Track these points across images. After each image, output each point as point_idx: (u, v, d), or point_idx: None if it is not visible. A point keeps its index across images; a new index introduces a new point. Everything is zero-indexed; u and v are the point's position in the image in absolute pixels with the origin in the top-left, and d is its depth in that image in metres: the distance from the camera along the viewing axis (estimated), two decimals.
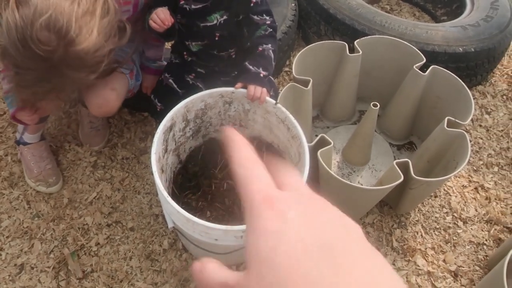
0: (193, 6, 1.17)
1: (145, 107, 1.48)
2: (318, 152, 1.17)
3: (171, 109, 1.11)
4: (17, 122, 1.27)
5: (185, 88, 1.32)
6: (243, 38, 1.25)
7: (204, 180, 1.26)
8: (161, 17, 1.10)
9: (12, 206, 1.39)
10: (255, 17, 1.19)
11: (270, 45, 1.18)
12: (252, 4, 1.17)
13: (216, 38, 1.22)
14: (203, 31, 1.21)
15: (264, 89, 1.13)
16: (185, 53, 1.30)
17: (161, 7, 1.15)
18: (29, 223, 1.35)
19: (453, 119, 1.26)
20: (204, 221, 0.89)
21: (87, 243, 1.32)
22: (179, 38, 1.28)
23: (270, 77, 1.28)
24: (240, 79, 1.16)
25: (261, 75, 1.15)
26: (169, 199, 0.93)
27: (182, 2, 1.17)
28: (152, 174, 0.98)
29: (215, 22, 1.19)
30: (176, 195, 1.23)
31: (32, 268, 1.27)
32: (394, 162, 1.17)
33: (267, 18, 1.19)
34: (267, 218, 0.22)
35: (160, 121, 1.08)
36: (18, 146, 1.45)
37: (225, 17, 1.19)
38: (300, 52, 1.40)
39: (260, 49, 1.18)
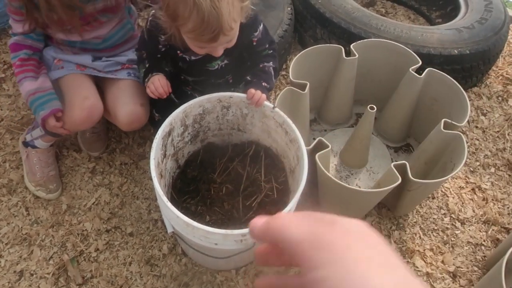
0: (192, 58, 1.18)
1: None
2: (316, 156, 1.17)
3: None
4: (50, 134, 1.28)
5: (182, 98, 1.33)
6: (243, 65, 1.27)
7: (203, 185, 1.27)
8: (160, 91, 1.15)
9: (11, 212, 1.39)
10: (258, 48, 1.21)
11: (271, 63, 1.22)
12: (255, 43, 1.20)
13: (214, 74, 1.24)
14: (202, 72, 1.23)
15: (264, 95, 1.14)
16: (182, 77, 1.31)
17: (153, 63, 1.19)
18: (28, 229, 1.35)
19: (450, 121, 1.27)
20: (204, 226, 0.89)
21: (86, 249, 1.32)
22: (174, 69, 1.28)
23: None
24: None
25: (263, 84, 1.17)
26: (169, 204, 0.93)
27: (180, 55, 1.18)
28: (151, 179, 0.99)
29: (216, 67, 1.21)
30: (175, 200, 1.23)
31: (32, 274, 1.27)
32: (392, 164, 1.18)
33: (266, 42, 1.22)
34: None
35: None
36: (25, 148, 1.45)
37: (226, 61, 1.21)
38: (297, 56, 1.40)
39: (261, 65, 1.21)
